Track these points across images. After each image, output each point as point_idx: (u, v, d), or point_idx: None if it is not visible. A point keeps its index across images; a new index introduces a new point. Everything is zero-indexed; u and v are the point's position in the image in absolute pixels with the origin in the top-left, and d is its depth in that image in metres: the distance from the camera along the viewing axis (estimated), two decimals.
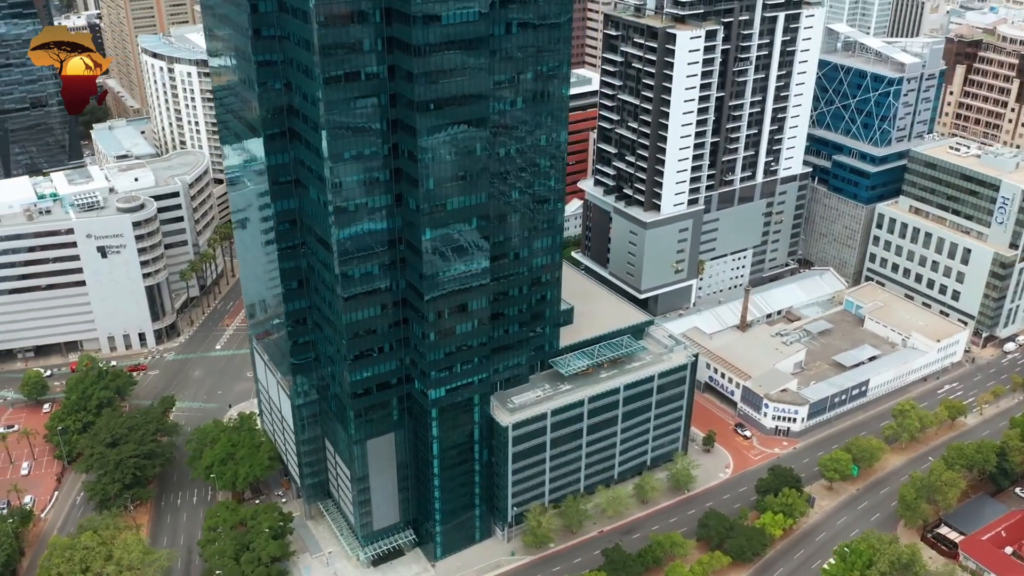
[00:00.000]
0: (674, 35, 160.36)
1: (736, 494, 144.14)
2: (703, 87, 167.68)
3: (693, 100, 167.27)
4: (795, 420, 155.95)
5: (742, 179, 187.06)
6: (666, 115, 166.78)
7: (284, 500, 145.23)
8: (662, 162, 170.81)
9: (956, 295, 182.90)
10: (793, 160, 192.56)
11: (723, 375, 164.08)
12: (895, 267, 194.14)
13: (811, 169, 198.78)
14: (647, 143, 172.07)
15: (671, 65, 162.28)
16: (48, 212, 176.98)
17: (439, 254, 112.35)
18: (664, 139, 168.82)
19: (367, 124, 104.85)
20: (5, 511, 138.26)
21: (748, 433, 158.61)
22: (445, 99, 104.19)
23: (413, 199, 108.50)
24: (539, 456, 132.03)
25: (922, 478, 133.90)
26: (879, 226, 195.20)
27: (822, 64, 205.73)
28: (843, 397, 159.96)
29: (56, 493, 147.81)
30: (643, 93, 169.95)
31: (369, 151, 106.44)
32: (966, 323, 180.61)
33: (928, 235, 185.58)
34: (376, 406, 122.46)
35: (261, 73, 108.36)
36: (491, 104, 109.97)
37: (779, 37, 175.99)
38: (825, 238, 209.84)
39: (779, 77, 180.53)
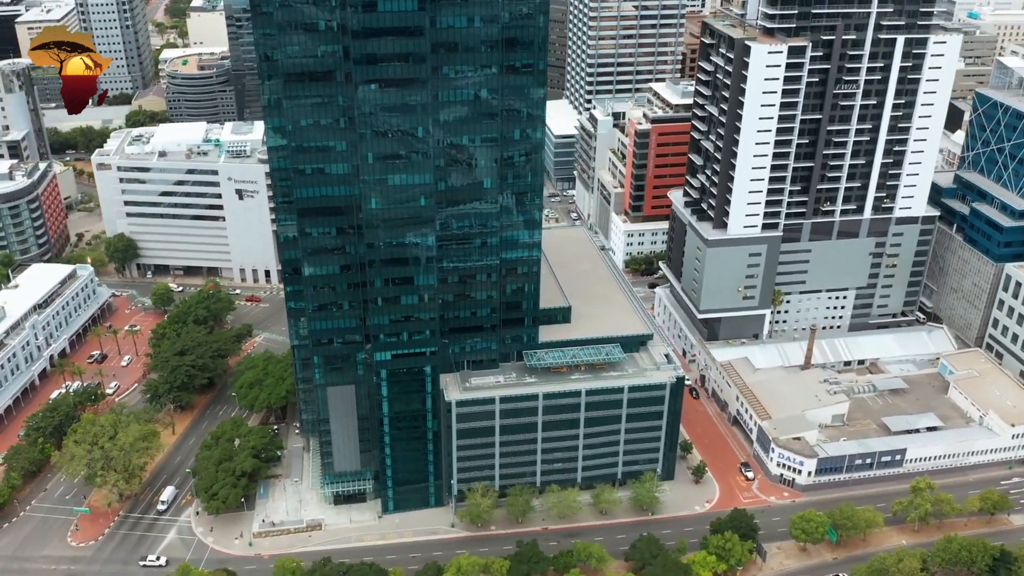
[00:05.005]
0: (750, 47, 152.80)
1: (700, 529, 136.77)
2: (785, 106, 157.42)
3: (771, 118, 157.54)
4: (800, 472, 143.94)
5: (843, 212, 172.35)
6: (738, 130, 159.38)
7: (298, 431, 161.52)
8: (732, 179, 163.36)
9: None
10: (914, 200, 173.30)
11: (747, 410, 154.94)
12: (1015, 337, 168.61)
13: (938, 213, 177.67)
14: (720, 157, 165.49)
15: (746, 79, 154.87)
16: (205, 154, 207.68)
17: (384, 224, 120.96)
18: (735, 155, 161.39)
19: (321, 96, 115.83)
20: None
21: (751, 474, 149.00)
22: (385, 80, 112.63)
23: (361, 171, 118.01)
24: (487, 439, 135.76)
25: (883, 559, 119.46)
26: (1005, 289, 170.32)
27: (982, 100, 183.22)
28: (867, 461, 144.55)
29: (136, 385, 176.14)
30: (721, 105, 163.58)
31: (325, 121, 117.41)
32: None
33: None
34: (339, 357, 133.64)
35: (260, 45, 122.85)
36: (452, 92, 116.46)
37: (897, 62, 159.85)
38: (956, 293, 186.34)
39: (896, 107, 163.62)
